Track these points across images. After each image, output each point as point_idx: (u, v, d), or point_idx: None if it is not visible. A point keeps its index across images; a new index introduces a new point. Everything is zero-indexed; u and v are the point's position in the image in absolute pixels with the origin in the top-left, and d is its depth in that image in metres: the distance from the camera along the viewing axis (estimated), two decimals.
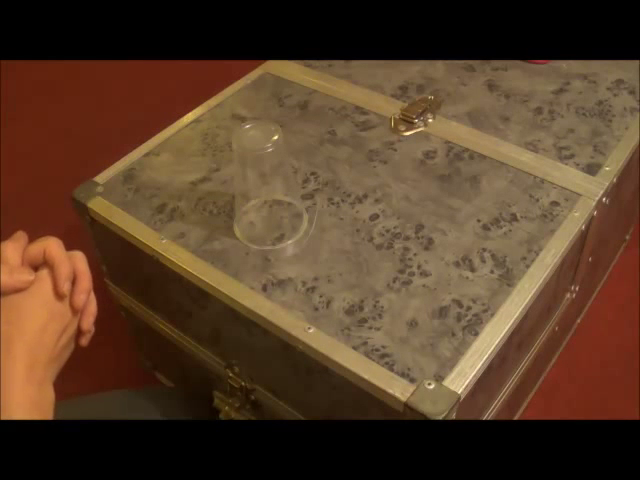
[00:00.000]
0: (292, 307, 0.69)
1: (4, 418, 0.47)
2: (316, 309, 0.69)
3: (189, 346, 0.87)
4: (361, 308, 0.69)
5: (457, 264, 0.73)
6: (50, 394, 0.52)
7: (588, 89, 0.97)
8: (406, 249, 0.75)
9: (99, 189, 0.84)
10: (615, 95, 0.96)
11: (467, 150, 0.87)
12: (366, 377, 0.62)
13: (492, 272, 0.72)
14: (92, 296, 0.58)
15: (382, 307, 0.69)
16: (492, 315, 0.67)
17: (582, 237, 0.81)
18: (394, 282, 0.71)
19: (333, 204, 0.81)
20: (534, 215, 0.78)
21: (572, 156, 0.85)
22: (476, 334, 0.66)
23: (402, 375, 0.62)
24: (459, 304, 0.69)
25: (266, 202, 0.79)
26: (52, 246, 0.55)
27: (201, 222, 0.79)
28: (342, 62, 1.04)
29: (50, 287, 0.54)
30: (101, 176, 0.87)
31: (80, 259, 0.57)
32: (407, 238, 0.76)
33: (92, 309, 0.58)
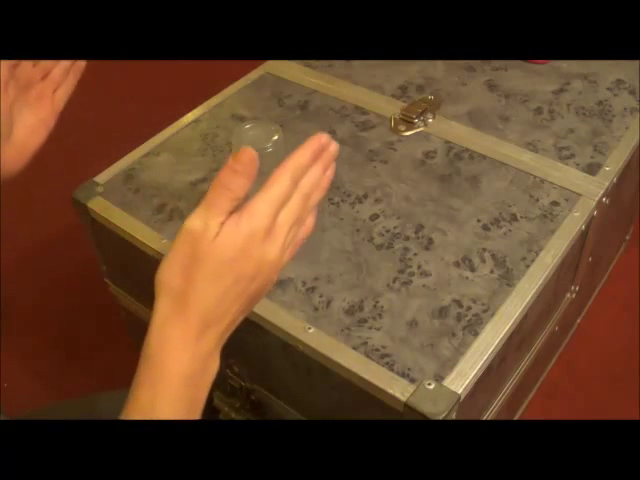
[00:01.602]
0: (292, 307, 0.69)
1: (161, 390, 0.43)
2: (316, 309, 0.69)
3: None
4: (361, 308, 0.69)
5: (457, 264, 0.73)
6: (213, 366, 0.46)
7: (588, 89, 0.97)
8: (406, 249, 0.75)
9: (99, 189, 0.84)
10: (615, 95, 0.96)
11: (467, 150, 0.87)
12: (366, 377, 0.62)
13: (492, 272, 0.72)
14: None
15: (382, 307, 0.69)
16: (492, 315, 0.67)
17: (582, 237, 0.81)
18: (394, 282, 0.71)
19: (333, 204, 0.81)
20: (534, 215, 0.78)
21: (572, 156, 0.85)
22: (476, 334, 0.66)
23: (402, 375, 0.62)
24: (459, 304, 0.69)
25: None
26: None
27: None
28: (342, 62, 1.04)
29: (243, 240, 0.44)
30: (101, 176, 0.87)
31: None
32: (407, 238, 0.76)
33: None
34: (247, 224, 0.44)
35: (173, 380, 0.44)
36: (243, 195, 0.45)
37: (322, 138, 0.48)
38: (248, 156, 0.44)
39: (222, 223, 0.44)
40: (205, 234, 0.43)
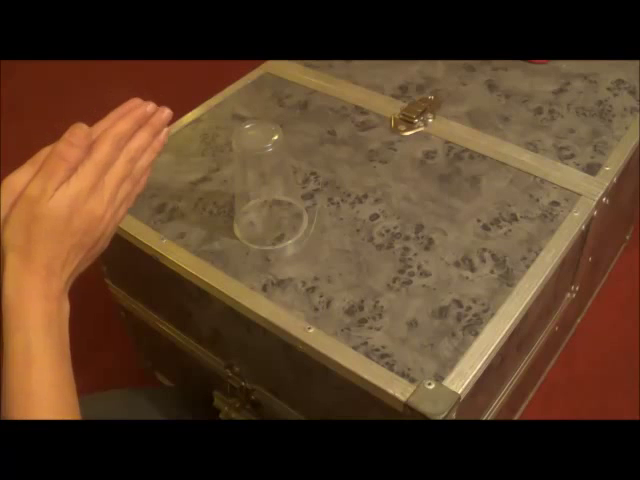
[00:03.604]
0: (292, 307, 0.69)
1: (22, 338, 0.48)
2: (316, 309, 0.69)
3: (189, 346, 0.87)
4: (361, 308, 0.69)
5: (457, 264, 0.73)
6: (66, 306, 0.52)
7: (588, 89, 0.97)
8: (406, 249, 0.75)
9: None
10: (615, 95, 0.96)
11: (467, 150, 0.87)
12: (366, 377, 0.62)
13: (492, 272, 0.72)
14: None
15: (382, 307, 0.69)
16: (492, 315, 0.67)
17: (582, 237, 0.81)
18: (394, 282, 0.71)
19: (333, 204, 0.81)
20: (534, 215, 0.78)
21: (572, 156, 0.85)
22: (476, 334, 0.66)
23: (402, 375, 0.62)
24: (459, 304, 0.69)
25: (266, 202, 0.79)
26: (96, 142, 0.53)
27: (201, 222, 0.79)
28: (342, 62, 1.04)
29: (71, 198, 0.50)
30: None
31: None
32: (407, 238, 0.76)
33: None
34: (74, 184, 0.51)
35: (37, 319, 0.49)
36: (77, 164, 0.51)
37: (147, 107, 0.57)
38: (82, 131, 0.52)
39: (57, 189, 0.50)
40: (42, 198, 0.50)
